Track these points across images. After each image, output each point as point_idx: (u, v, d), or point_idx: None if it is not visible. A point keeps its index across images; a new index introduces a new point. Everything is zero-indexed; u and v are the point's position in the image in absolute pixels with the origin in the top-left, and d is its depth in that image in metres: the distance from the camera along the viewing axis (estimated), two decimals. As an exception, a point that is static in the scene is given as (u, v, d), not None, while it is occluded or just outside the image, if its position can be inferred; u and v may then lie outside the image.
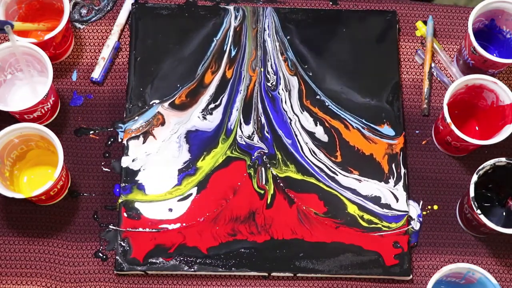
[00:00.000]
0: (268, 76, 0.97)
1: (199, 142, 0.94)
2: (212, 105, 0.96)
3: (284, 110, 0.96)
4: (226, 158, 0.93)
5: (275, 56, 0.98)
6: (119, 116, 0.97)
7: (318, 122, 0.95)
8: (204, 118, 0.95)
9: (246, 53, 0.98)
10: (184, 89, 0.96)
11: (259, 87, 0.97)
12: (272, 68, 0.97)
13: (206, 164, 0.93)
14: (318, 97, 0.96)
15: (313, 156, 0.94)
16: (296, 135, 0.94)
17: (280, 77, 0.97)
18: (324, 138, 0.95)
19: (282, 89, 0.96)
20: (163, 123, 0.95)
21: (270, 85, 0.97)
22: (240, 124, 0.95)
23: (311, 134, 0.95)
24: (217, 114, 0.95)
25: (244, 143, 0.94)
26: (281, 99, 0.96)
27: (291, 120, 0.95)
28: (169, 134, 0.94)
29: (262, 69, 0.97)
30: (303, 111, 0.96)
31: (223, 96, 0.96)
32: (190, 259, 0.89)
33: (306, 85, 0.97)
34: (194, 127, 0.95)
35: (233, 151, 0.94)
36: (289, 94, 0.96)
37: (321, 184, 0.93)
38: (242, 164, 0.93)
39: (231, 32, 0.99)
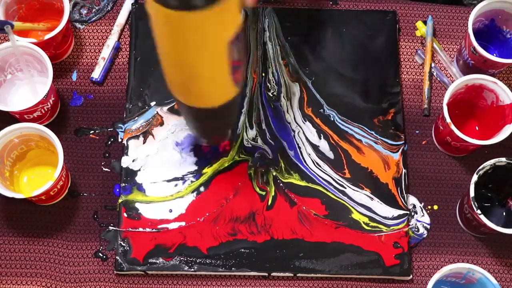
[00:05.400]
0: (269, 84, 0.96)
1: (207, 152, 0.93)
2: None
3: (288, 121, 0.95)
4: (232, 163, 0.93)
5: (276, 61, 0.97)
6: (119, 116, 0.97)
7: (322, 135, 0.94)
8: None
9: (251, 55, 0.98)
10: None
11: (259, 89, 0.96)
12: (273, 76, 0.97)
13: (211, 169, 0.93)
14: (321, 110, 0.95)
15: (317, 167, 0.93)
16: (299, 147, 0.94)
17: (281, 85, 0.96)
18: (330, 154, 0.94)
19: (284, 97, 0.96)
20: (162, 124, 0.94)
21: (271, 95, 0.96)
22: (246, 128, 0.95)
23: (315, 147, 0.94)
24: None
25: (250, 145, 0.94)
26: (284, 110, 0.95)
27: (294, 131, 0.95)
28: (172, 135, 0.94)
29: (263, 74, 0.97)
30: (305, 121, 0.95)
31: None
32: (190, 259, 0.89)
33: (308, 91, 0.96)
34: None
35: (240, 155, 0.93)
36: (291, 103, 0.96)
37: (328, 193, 0.92)
38: (244, 164, 0.93)
39: None
